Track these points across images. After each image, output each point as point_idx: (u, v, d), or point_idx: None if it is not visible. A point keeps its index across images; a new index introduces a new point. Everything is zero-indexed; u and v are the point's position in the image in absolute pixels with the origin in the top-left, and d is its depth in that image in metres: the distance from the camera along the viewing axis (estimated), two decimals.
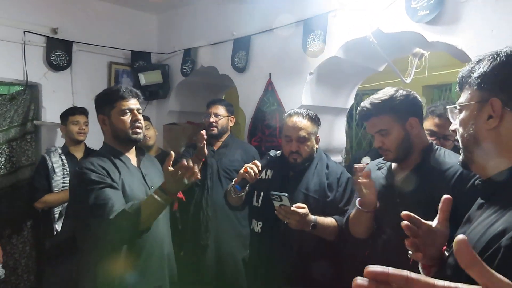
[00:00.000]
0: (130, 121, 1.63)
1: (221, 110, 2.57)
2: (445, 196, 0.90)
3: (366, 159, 2.96)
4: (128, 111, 1.63)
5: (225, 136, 2.61)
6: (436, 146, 1.45)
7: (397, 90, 1.41)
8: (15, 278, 2.90)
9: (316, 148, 1.85)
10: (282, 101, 2.68)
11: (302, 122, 1.76)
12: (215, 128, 2.53)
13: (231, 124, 2.64)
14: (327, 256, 1.74)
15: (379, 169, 1.56)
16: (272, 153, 1.80)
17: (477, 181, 0.89)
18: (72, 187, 1.65)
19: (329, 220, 1.66)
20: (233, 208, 1.96)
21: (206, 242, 2.43)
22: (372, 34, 2.16)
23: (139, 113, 1.67)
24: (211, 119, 2.54)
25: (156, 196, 1.43)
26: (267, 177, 1.87)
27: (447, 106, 0.93)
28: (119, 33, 3.53)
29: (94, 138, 2.83)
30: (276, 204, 1.57)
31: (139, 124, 1.65)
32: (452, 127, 0.92)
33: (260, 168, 1.71)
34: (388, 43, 2.24)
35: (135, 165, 1.70)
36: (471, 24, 1.85)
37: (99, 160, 1.59)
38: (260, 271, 1.81)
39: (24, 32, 2.96)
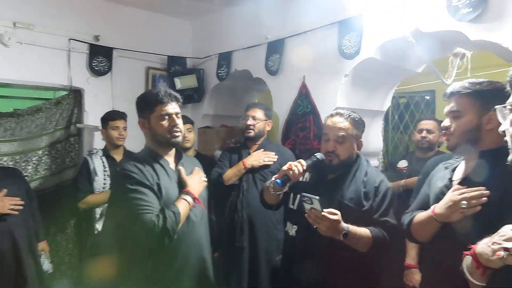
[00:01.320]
0: (169, 125, 1.66)
1: (259, 113, 2.59)
2: None
3: (403, 163, 2.89)
4: (166, 116, 1.66)
5: (262, 139, 2.62)
6: None
7: (494, 81, 1.32)
8: (59, 274, 3.05)
9: (357, 154, 1.78)
10: (316, 104, 2.66)
11: (343, 122, 1.70)
12: (251, 131, 2.56)
13: (268, 128, 2.65)
14: (362, 265, 1.66)
15: (446, 168, 1.49)
16: (318, 155, 1.71)
17: None
18: (113, 187, 1.72)
19: (363, 231, 1.57)
20: (267, 206, 1.90)
21: (241, 244, 2.44)
22: (411, 34, 2.10)
23: (178, 117, 1.69)
24: (249, 122, 2.57)
25: (186, 198, 1.59)
26: (304, 180, 1.82)
27: (496, 106, 0.89)
28: (156, 39, 3.64)
29: (133, 140, 2.94)
30: (307, 206, 1.51)
31: (177, 129, 1.67)
32: (501, 128, 0.88)
33: (304, 167, 1.65)
34: (428, 43, 2.17)
35: (173, 168, 1.74)
36: None
37: (138, 163, 1.63)
38: (292, 276, 1.75)
39: (69, 39, 3.13)
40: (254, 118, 2.57)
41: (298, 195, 1.75)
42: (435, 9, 2.01)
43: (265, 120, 2.61)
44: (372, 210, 1.64)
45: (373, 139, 2.87)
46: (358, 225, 1.57)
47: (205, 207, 1.83)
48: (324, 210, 1.47)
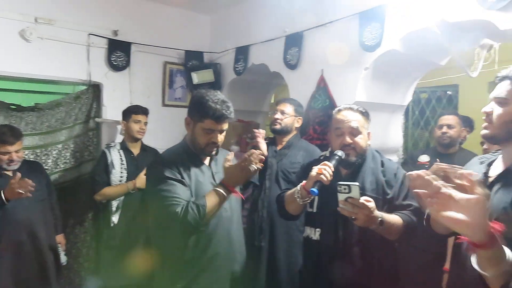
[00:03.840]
0: (209, 140, 1.66)
1: (288, 108, 2.53)
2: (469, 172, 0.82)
3: (424, 157, 2.81)
4: (211, 132, 1.65)
5: (289, 136, 2.53)
6: None
7: None
8: (77, 266, 3.10)
9: (369, 145, 1.76)
10: (335, 98, 2.60)
11: (354, 114, 1.69)
12: (278, 124, 2.49)
13: (297, 125, 2.57)
14: (393, 262, 1.64)
15: (481, 163, 1.40)
16: (339, 153, 1.65)
17: None
18: (147, 179, 1.74)
19: (393, 217, 1.55)
20: (290, 218, 1.83)
21: (259, 244, 2.39)
22: (436, 24, 2.01)
23: (222, 133, 1.69)
24: (276, 116, 2.51)
25: (219, 189, 1.54)
26: None
27: None
28: (174, 33, 3.64)
29: (148, 134, 2.96)
30: (342, 197, 1.42)
31: (214, 145, 1.69)
32: None
33: (332, 169, 1.56)
34: (454, 34, 2.08)
35: (207, 164, 1.76)
36: None
37: (174, 156, 1.68)
38: (320, 281, 1.68)
39: (88, 34, 3.15)
40: (283, 112, 2.51)
41: (316, 197, 1.70)
42: None
43: (294, 116, 2.53)
44: (395, 197, 1.64)
45: (393, 134, 2.79)
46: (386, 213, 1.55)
47: (235, 201, 1.83)
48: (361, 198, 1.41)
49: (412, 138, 4.59)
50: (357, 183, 1.41)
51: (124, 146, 2.89)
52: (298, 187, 1.64)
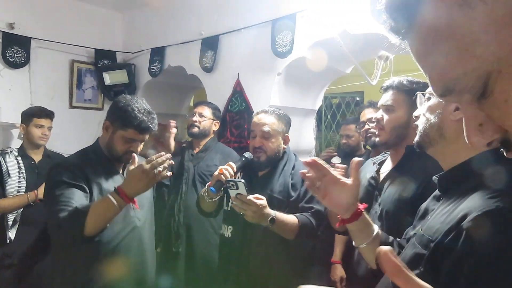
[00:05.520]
0: (127, 149, 1.60)
1: (206, 111, 2.53)
2: (356, 158, 1.02)
3: (335, 159, 3.01)
4: (132, 141, 1.59)
5: (207, 139, 2.53)
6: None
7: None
8: None
9: (285, 149, 1.82)
10: (251, 102, 2.66)
11: (268, 118, 1.75)
12: (196, 128, 2.48)
13: (214, 128, 2.57)
14: (295, 260, 1.72)
15: (374, 163, 1.57)
16: (247, 154, 1.74)
17: (434, 177, 0.92)
18: (46, 183, 1.63)
19: (290, 217, 1.61)
20: (206, 214, 1.87)
21: (177, 249, 2.35)
22: (339, 35, 2.17)
23: (142, 143, 1.64)
24: (194, 118, 2.49)
25: (111, 197, 1.39)
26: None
27: (418, 92, 0.96)
28: (82, 30, 3.39)
29: (54, 139, 2.71)
30: (233, 193, 1.50)
31: (132, 154, 1.62)
32: (416, 113, 0.95)
33: (235, 169, 1.65)
34: (355, 45, 2.26)
35: (119, 171, 1.68)
36: None
37: (81, 160, 1.57)
38: (230, 277, 1.74)
39: None
40: (200, 115, 2.50)
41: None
42: (361, 12, 2.10)
43: (212, 119, 2.54)
44: (298, 199, 1.71)
45: (305, 137, 2.94)
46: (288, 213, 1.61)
47: (148, 208, 1.77)
48: (250, 196, 1.48)
49: (325, 140, 4.89)
50: (242, 180, 1.47)
51: (22, 152, 2.60)
52: (206, 185, 1.69)
